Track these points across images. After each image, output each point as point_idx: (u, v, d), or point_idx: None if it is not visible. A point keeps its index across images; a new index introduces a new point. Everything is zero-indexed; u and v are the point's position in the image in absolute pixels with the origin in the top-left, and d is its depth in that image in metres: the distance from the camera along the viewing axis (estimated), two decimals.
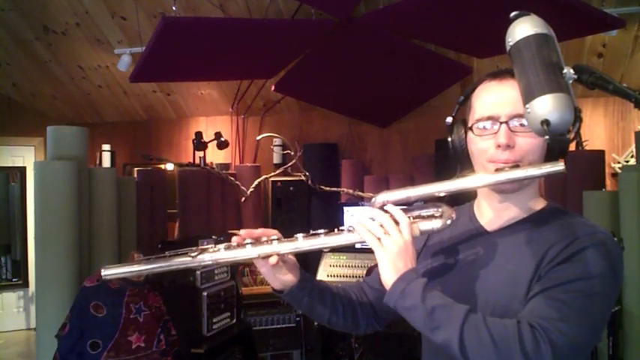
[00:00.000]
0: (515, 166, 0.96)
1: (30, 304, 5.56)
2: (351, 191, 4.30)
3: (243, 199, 4.40)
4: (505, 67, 1.04)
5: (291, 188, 4.43)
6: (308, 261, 3.84)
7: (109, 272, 1.07)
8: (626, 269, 2.69)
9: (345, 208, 4.01)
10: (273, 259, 1.04)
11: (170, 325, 2.54)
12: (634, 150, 3.80)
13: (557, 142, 0.82)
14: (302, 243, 1.04)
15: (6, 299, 5.57)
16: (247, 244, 1.05)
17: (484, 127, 1.01)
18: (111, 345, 2.32)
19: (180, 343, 2.57)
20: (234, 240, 1.07)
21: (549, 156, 0.99)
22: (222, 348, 2.90)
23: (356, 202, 4.16)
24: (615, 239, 2.63)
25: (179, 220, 4.18)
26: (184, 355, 2.60)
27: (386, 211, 1.00)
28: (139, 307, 2.44)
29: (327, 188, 4.32)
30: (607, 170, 3.76)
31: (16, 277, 5.69)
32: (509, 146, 0.96)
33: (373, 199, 1.04)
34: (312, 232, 1.05)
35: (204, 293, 2.79)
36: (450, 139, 1.07)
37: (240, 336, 3.08)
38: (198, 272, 2.79)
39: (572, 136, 0.85)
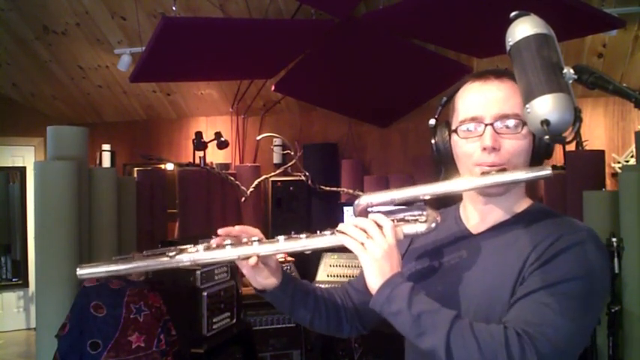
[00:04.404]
0: (502, 169, 0.95)
1: (30, 304, 5.56)
2: (351, 191, 4.30)
3: (243, 199, 4.40)
4: (488, 68, 1.03)
5: (291, 188, 4.43)
6: (308, 261, 3.84)
7: (84, 272, 1.02)
8: (626, 269, 2.68)
9: (345, 208, 4.01)
10: (253, 260, 1.02)
11: (170, 325, 2.54)
12: (634, 150, 3.80)
13: (556, 142, 0.82)
14: (283, 245, 1.02)
15: (6, 299, 5.57)
16: (227, 244, 1.03)
17: (468, 129, 1.00)
18: (111, 345, 2.32)
19: (180, 343, 2.57)
20: (214, 240, 1.05)
21: (535, 158, 0.99)
22: (222, 348, 2.89)
23: None
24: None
25: (179, 220, 4.17)
26: (184, 355, 2.60)
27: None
28: (139, 307, 2.44)
29: (327, 188, 4.32)
30: (607, 170, 3.76)
31: (16, 277, 5.69)
32: (494, 149, 0.96)
33: (356, 201, 1.03)
34: (293, 234, 1.03)
35: (204, 293, 2.79)
36: (433, 141, 1.07)
37: (240, 336, 3.08)
38: (198, 272, 2.78)
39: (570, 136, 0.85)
